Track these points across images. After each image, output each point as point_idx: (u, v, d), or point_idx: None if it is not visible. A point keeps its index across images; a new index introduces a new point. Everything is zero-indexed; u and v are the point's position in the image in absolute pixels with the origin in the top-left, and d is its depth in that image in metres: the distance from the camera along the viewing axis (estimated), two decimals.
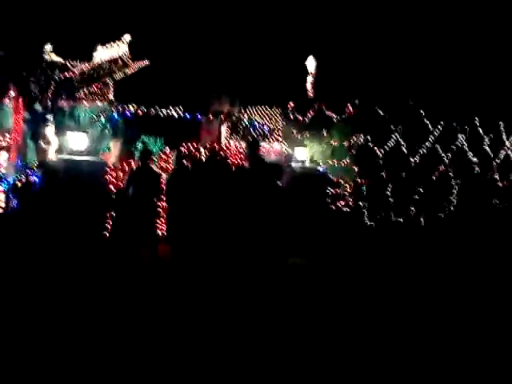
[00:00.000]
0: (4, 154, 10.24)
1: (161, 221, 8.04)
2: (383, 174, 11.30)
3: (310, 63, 12.29)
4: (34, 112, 11.85)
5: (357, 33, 14.43)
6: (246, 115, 11.64)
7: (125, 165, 8.58)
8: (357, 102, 11.00)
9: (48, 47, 21.83)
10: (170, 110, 10.43)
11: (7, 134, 10.97)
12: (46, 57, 21.31)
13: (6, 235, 7.52)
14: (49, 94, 13.34)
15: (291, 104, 11.59)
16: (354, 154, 10.91)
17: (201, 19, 15.21)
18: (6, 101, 15.92)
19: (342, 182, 11.00)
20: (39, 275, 6.49)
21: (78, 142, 7.70)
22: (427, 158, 11.83)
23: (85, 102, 17.78)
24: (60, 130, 8.63)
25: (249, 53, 14.22)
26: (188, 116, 10.52)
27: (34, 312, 5.26)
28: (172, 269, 7.18)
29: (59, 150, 8.06)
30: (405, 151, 11.55)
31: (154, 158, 9.48)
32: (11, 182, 8.90)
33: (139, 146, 12.49)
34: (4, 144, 11.40)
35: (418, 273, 8.12)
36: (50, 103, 12.72)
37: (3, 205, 8.76)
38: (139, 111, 10.67)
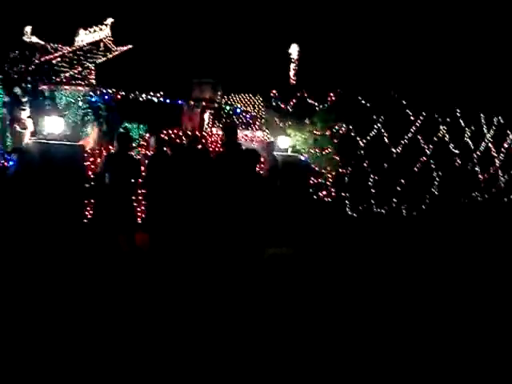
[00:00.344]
0: None
1: (139, 208, 7.90)
2: (365, 164, 11.28)
3: (294, 50, 12.17)
4: (13, 95, 11.56)
5: (341, 20, 14.34)
6: (228, 102, 11.48)
7: (103, 150, 8.39)
8: (339, 90, 10.92)
9: (28, 29, 21.34)
10: (151, 96, 10.23)
11: None
12: (26, 39, 20.84)
13: None
14: (28, 77, 13.01)
15: (274, 92, 11.46)
16: (336, 143, 10.86)
17: (185, 3, 14.96)
18: None
19: (324, 171, 10.95)
20: (13, 264, 6.34)
21: (54, 125, 7.49)
22: (409, 148, 11.84)
23: (65, 86, 17.43)
24: (39, 114, 8.39)
25: (232, 39, 14.04)
26: (168, 101, 10.33)
27: (9, 303, 5.14)
28: (149, 258, 7.07)
29: (36, 134, 7.81)
30: (387, 141, 11.54)
31: (134, 144, 9.31)
32: None
33: (120, 131, 12.29)
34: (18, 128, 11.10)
35: (400, 264, 8.15)
36: (29, 86, 12.43)
37: None
38: (120, 95, 10.43)
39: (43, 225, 7.14)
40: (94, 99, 12.57)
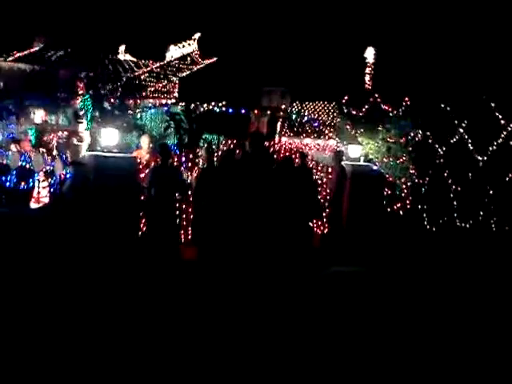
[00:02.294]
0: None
1: (187, 221, 7.71)
2: (445, 173, 10.23)
3: (369, 54, 11.47)
4: (103, 110, 12.13)
5: (418, 21, 13.33)
6: (295, 110, 11.07)
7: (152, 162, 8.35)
8: (416, 94, 10.03)
9: (122, 47, 22.58)
10: (213, 106, 10.11)
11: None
12: (120, 56, 22.06)
13: (42, 231, 7.54)
14: (116, 93, 13.62)
15: (346, 98, 10.84)
16: (411, 152, 9.97)
17: (254, 11, 14.85)
18: (77, 99, 16.49)
19: (399, 181, 10.11)
20: (73, 274, 6.43)
21: (110, 137, 7.57)
22: (498, 156, 10.55)
23: (150, 100, 18.12)
24: (98, 127, 8.59)
25: (304, 45, 13.62)
26: (231, 111, 10.15)
27: (70, 307, 5.16)
28: (198, 270, 6.85)
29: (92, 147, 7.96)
30: (471, 149, 10.38)
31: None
32: (57, 178, 9.03)
33: (202, 142, 12.42)
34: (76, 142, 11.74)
35: (485, 288, 7.14)
36: (117, 101, 13.00)
37: (46, 200, 8.90)
38: (184, 106, 10.46)
39: (99, 237, 7.21)
40: (175, 111, 12.85)
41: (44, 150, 11.79)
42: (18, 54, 18.43)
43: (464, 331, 5.37)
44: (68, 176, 7.58)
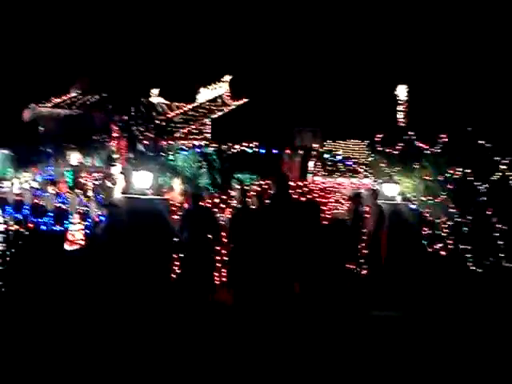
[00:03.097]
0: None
1: (221, 263, 7.54)
2: (488, 211, 9.82)
3: (401, 91, 11.35)
4: (137, 152, 12.31)
5: (451, 56, 13.18)
6: (328, 149, 10.94)
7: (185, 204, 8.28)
8: (453, 131, 9.78)
9: (155, 91, 23.19)
10: (246, 146, 10.08)
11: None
12: (152, 100, 22.63)
13: (76, 272, 7.51)
14: (150, 135, 13.87)
15: (379, 135, 10.67)
16: (451, 190, 9.63)
17: (286, 53, 15.02)
18: (112, 142, 16.88)
19: (439, 221, 9.74)
20: (106, 316, 6.33)
21: (143, 180, 7.56)
22: None
23: (183, 141, 18.36)
24: (130, 169, 8.62)
25: (334, 84, 13.62)
26: (264, 151, 10.10)
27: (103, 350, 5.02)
28: (232, 315, 6.63)
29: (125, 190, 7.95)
30: None
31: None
32: (91, 220, 9.06)
33: (235, 181, 12.39)
34: (109, 184, 11.89)
35: None
36: (151, 143, 13.21)
37: (82, 243, 8.91)
38: (216, 147, 10.47)
39: (132, 279, 7.11)
40: (207, 152, 12.92)
41: (80, 192, 11.96)
42: (56, 100, 19.10)
43: None
44: (102, 218, 7.57)
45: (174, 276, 7.69)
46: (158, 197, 7.51)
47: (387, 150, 10.19)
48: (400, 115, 11.03)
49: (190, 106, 21.83)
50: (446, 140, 9.70)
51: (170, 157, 12.45)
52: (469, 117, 10.71)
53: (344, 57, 13.46)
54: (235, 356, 5.28)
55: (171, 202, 7.81)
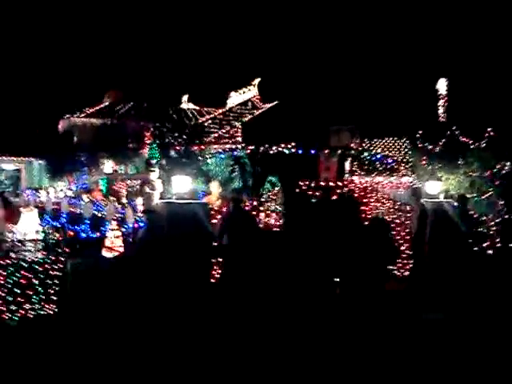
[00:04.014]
0: (140, 199, 10.58)
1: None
2: None
3: (442, 85, 10.96)
4: (170, 158, 12.30)
5: (492, 48, 12.66)
6: (366, 148, 10.64)
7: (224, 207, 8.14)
8: (497, 125, 9.36)
9: (185, 97, 23.29)
10: (283, 148, 9.88)
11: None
12: (184, 106, 22.73)
13: (113, 279, 7.44)
14: (182, 140, 13.87)
15: (420, 132, 10.31)
16: (498, 185, 9.21)
17: (319, 51, 14.76)
18: (145, 149, 16.96)
19: (486, 218, 9.32)
20: (146, 321, 6.25)
21: (181, 185, 7.45)
22: None
23: (214, 146, 18.30)
24: (169, 174, 8.55)
25: (372, 80, 13.27)
26: (300, 152, 9.87)
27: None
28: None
29: (164, 195, 7.88)
30: None
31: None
32: (130, 227, 9.01)
33: (267, 185, 12.21)
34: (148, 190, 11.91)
35: None
36: (183, 149, 13.20)
37: (121, 249, 8.86)
38: (251, 150, 10.31)
39: (173, 285, 7.00)
40: (238, 155, 12.80)
41: (114, 199, 12.00)
42: (90, 110, 19.36)
43: None
44: (141, 224, 7.49)
45: (214, 281, 7.55)
46: (198, 201, 7.37)
47: (429, 147, 9.83)
48: (441, 110, 10.64)
49: (220, 111, 21.86)
50: (492, 134, 9.28)
51: (202, 162, 12.38)
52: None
53: (379, 52, 13.16)
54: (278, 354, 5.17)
55: (210, 206, 7.66)
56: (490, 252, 9.13)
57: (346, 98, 12.93)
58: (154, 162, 9.28)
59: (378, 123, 10.99)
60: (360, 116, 11.03)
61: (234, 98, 21.90)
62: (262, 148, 10.01)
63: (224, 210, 7.79)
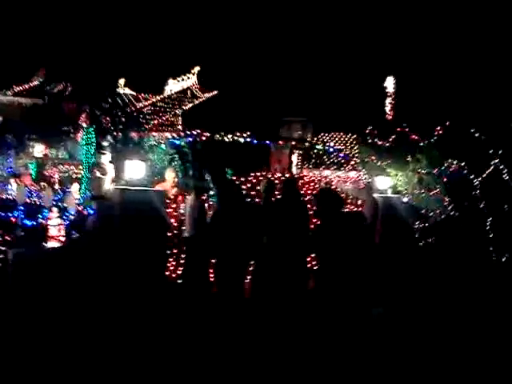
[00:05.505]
0: (76, 186, 9.96)
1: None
2: (482, 205, 9.78)
3: (389, 84, 11.18)
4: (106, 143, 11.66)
5: (441, 46, 13.12)
6: (319, 141, 10.63)
7: (186, 196, 7.78)
8: (447, 123, 9.66)
9: (121, 81, 22.31)
10: (238, 136, 9.63)
11: (80, 166, 10.83)
12: (120, 90, 21.74)
13: (60, 271, 6.89)
14: (120, 126, 13.20)
15: (369, 128, 10.45)
16: (445, 183, 9.52)
17: (270, 43, 14.62)
18: (80, 133, 16.03)
19: (432, 214, 9.62)
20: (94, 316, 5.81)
21: (135, 170, 6.99)
22: None
23: (154, 133, 17.67)
24: (120, 159, 8.03)
25: (324, 76, 13.33)
26: (256, 142, 9.67)
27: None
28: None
29: (116, 181, 7.39)
30: (506, 178, 9.96)
31: None
32: (72, 215, 8.41)
33: (207, 175, 11.88)
34: (79, 176, 11.29)
35: None
36: (120, 135, 12.55)
37: (62, 239, 8.24)
38: (205, 137, 9.96)
39: (126, 277, 6.57)
40: (179, 144, 12.37)
41: (45, 184, 11.28)
42: (18, 88, 18.05)
43: None
44: (90, 211, 6.95)
45: (169, 273, 7.20)
46: (155, 189, 6.96)
47: (379, 143, 9.98)
48: (388, 107, 10.84)
49: (158, 98, 21.14)
50: (441, 132, 9.57)
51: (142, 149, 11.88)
52: (461, 109, 10.64)
53: (332, 46, 13.22)
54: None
55: (166, 194, 7.27)
56: (435, 246, 9.44)
57: (297, 91, 12.91)
58: (106, 144, 8.69)
59: (330, 118, 11.03)
60: (312, 110, 11.01)
61: (172, 86, 21.28)
62: (217, 136, 9.70)
63: (180, 198, 7.44)
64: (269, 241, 5.76)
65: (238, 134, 9.75)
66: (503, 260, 9.95)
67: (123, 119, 13.65)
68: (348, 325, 6.01)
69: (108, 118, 13.53)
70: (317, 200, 5.63)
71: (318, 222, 5.75)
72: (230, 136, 9.82)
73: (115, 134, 12.40)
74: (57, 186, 12.82)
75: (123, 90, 21.32)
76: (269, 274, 5.79)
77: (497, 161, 9.64)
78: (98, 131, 12.74)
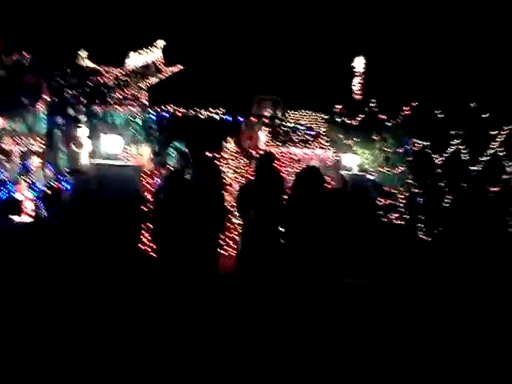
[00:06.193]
0: (36, 160, 9.73)
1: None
2: (442, 183, 10.27)
3: (358, 63, 11.40)
4: (67, 116, 11.37)
5: (411, 27, 13.36)
6: (290, 119, 10.76)
7: (161, 170, 7.82)
8: (413, 103, 10.01)
9: (82, 53, 21.59)
10: (211, 112, 9.64)
11: (39, 139, 10.55)
12: (80, 62, 21.04)
13: (34, 246, 6.82)
14: (82, 99, 12.88)
15: (338, 107, 10.67)
16: (410, 161, 9.92)
17: (240, 19, 14.50)
18: (39, 105, 15.51)
19: (396, 191, 10.02)
20: (69, 290, 5.82)
21: (112, 145, 6.97)
22: (490, 167, 10.71)
23: (118, 107, 17.31)
24: (93, 134, 7.95)
25: (294, 53, 13.36)
26: (226, 118, 9.72)
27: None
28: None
29: (93, 155, 7.34)
30: (465, 159, 10.48)
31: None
32: (41, 190, 8.27)
33: (172, 150, 11.83)
34: (37, 149, 10.99)
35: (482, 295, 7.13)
36: (82, 108, 12.25)
37: (32, 213, 8.12)
38: (176, 112, 9.92)
39: (101, 249, 6.60)
40: (144, 119, 12.23)
41: (3, 158, 11.01)
42: None
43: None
44: (67, 186, 6.90)
45: (143, 247, 7.26)
46: (132, 164, 6.97)
47: (347, 122, 10.24)
48: (357, 87, 11.08)
49: (120, 71, 20.61)
50: (408, 113, 9.91)
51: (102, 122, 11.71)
52: (428, 90, 11.00)
53: (303, 24, 13.18)
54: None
55: (142, 169, 7.29)
56: (400, 222, 9.88)
57: (268, 68, 12.90)
58: (82, 116, 8.54)
59: (300, 96, 11.14)
60: (283, 87, 11.08)
61: (134, 59, 20.78)
62: (191, 112, 9.68)
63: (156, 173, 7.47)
64: (256, 216, 5.87)
65: (212, 110, 9.77)
66: (458, 234, 10.52)
67: (86, 92, 13.33)
68: (319, 294, 6.28)
69: (70, 91, 13.18)
70: (300, 177, 5.77)
71: (296, 199, 5.91)
72: (204, 112, 9.84)
73: (78, 106, 12.14)
74: (18, 161, 12.51)
75: (83, 61, 20.68)
76: (256, 250, 5.92)
77: (458, 141, 10.13)
78: (60, 104, 12.43)
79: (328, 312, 5.78)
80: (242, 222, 6.13)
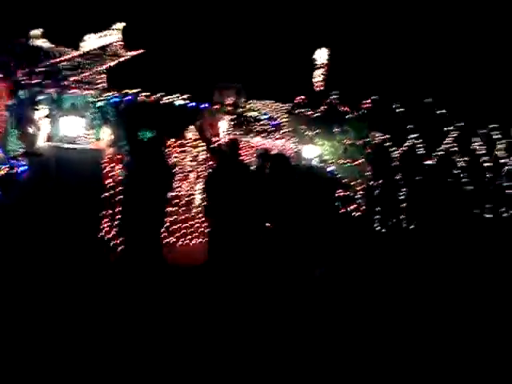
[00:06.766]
0: None
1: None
2: (398, 176, 10.56)
3: (320, 55, 11.51)
4: (19, 98, 10.92)
5: (372, 22, 13.59)
6: (252, 108, 10.76)
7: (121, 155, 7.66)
8: (374, 97, 10.22)
9: (35, 32, 20.70)
10: (177, 98, 9.50)
11: None
12: (33, 42, 20.19)
13: None
14: (35, 80, 12.43)
15: (299, 98, 10.76)
16: (369, 154, 10.14)
17: (205, 7, 14.33)
18: None
19: (354, 183, 10.22)
20: (24, 281, 5.62)
21: (72, 127, 6.76)
22: (443, 160, 11.10)
23: (74, 90, 16.79)
24: (52, 116, 7.68)
25: (254, 44, 13.34)
26: (193, 105, 9.62)
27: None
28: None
29: (51, 137, 7.10)
30: (421, 152, 10.81)
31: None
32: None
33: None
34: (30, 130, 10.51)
35: (430, 283, 7.41)
36: (36, 89, 11.81)
37: None
38: (136, 97, 9.72)
39: (58, 237, 6.41)
40: (101, 103, 11.92)
41: None
42: None
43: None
44: (22, 169, 6.64)
45: (105, 235, 7.12)
46: (92, 147, 6.79)
47: (308, 113, 10.34)
48: (318, 79, 11.19)
49: (76, 53, 19.93)
50: (369, 106, 10.10)
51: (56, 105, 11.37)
52: (388, 84, 11.24)
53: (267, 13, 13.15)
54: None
55: (103, 153, 7.12)
56: (357, 214, 10.10)
57: (230, 56, 12.82)
58: (40, 97, 8.21)
59: (262, 85, 11.15)
60: (246, 77, 11.06)
61: (91, 41, 20.16)
62: (155, 97, 9.51)
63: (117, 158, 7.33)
64: (229, 204, 5.86)
65: (176, 95, 9.63)
66: (412, 227, 10.88)
67: (38, 73, 12.84)
68: (292, 284, 6.38)
69: (22, 70, 12.65)
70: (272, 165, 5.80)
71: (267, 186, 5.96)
72: (166, 98, 9.69)
73: (31, 89, 11.69)
74: None
75: (36, 41, 19.88)
76: (226, 238, 5.92)
77: (415, 135, 10.43)
78: (12, 86, 11.92)
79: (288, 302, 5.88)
80: (211, 211, 6.11)
